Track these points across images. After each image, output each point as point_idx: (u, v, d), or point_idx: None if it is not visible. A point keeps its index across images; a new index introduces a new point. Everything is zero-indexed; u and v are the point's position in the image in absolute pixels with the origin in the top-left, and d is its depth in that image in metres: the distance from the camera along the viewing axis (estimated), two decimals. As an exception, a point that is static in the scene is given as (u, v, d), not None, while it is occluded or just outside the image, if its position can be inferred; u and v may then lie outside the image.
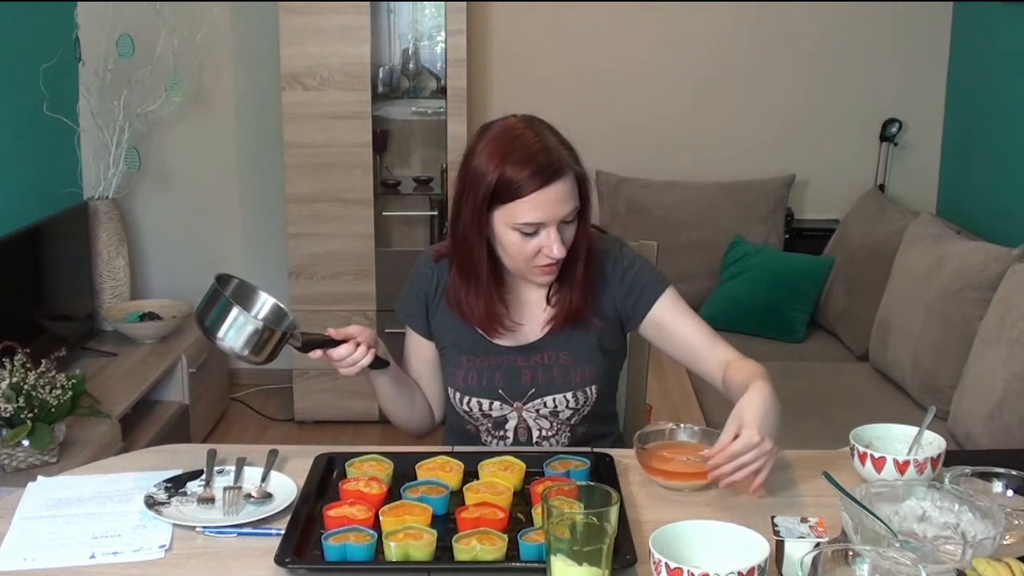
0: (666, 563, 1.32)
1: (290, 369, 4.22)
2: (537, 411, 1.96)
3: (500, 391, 1.96)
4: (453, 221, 1.90)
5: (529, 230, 1.82)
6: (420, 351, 2.06)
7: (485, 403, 1.96)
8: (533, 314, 1.97)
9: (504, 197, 1.81)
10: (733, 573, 1.30)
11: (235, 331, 1.68)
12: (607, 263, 1.97)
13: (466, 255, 1.89)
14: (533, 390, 1.95)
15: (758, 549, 1.36)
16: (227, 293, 1.70)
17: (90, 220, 4.00)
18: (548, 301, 1.96)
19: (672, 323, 1.95)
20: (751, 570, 1.32)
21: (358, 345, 1.83)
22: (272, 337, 1.70)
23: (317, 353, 1.82)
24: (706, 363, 1.92)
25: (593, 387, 1.96)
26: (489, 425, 1.99)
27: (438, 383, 2.05)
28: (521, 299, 1.98)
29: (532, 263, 1.86)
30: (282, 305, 1.81)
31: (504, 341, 1.96)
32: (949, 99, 4.30)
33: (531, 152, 1.80)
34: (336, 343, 1.82)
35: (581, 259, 1.91)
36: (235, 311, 1.67)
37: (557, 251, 1.82)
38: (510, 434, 1.99)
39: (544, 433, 1.98)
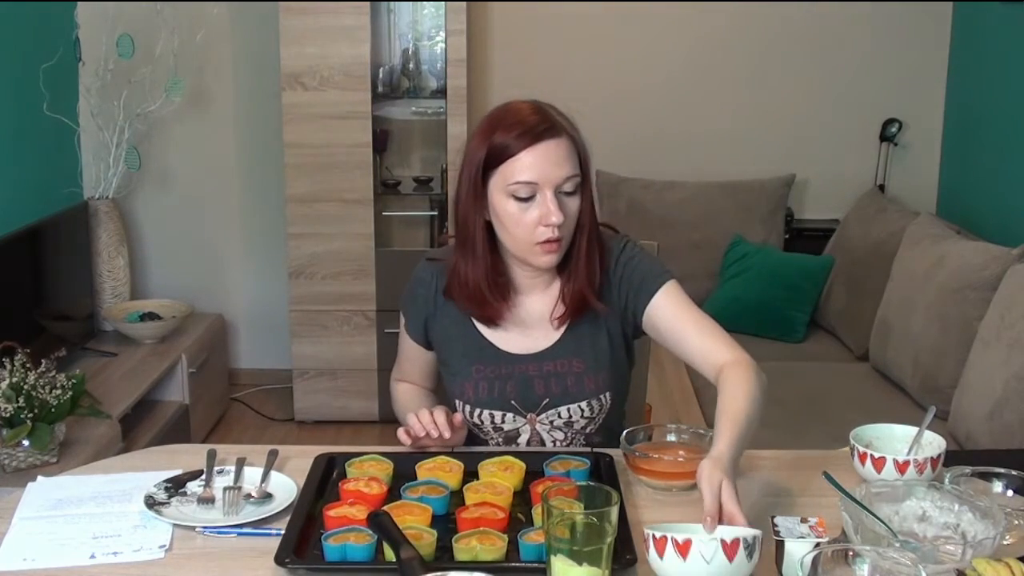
0: (652, 534, 1.34)
1: (290, 369, 4.22)
2: (551, 422, 1.90)
3: (512, 402, 1.89)
4: (454, 205, 1.86)
5: (524, 193, 1.75)
6: (412, 355, 2.04)
7: (497, 415, 1.90)
8: (542, 318, 1.90)
9: (496, 160, 1.77)
10: (716, 540, 1.31)
11: None
12: (610, 258, 1.89)
13: (465, 233, 1.84)
14: (547, 400, 1.89)
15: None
16: None
17: (90, 220, 4.00)
18: (562, 298, 1.87)
19: (669, 319, 1.86)
20: (735, 541, 1.32)
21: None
22: None
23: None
24: (702, 363, 1.82)
25: (607, 394, 1.90)
26: (500, 439, 1.93)
27: (428, 385, 2.09)
28: (528, 305, 1.91)
29: (533, 239, 1.78)
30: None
31: (515, 348, 1.90)
32: (949, 99, 4.30)
33: (523, 116, 1.78)
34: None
35: (584, 239, 1.83)
36: None
37: (555, 217, 1.74)
38: (523, 448, 1.92)
39: (558, 445, 1.92)
